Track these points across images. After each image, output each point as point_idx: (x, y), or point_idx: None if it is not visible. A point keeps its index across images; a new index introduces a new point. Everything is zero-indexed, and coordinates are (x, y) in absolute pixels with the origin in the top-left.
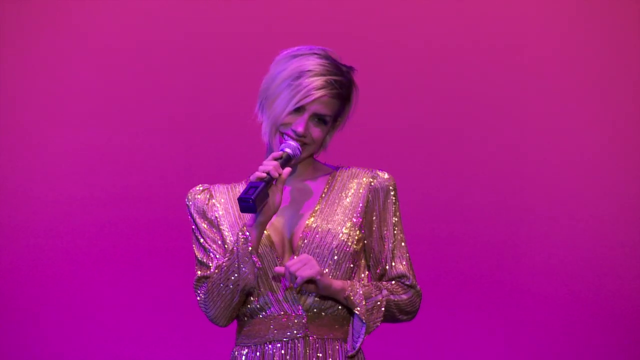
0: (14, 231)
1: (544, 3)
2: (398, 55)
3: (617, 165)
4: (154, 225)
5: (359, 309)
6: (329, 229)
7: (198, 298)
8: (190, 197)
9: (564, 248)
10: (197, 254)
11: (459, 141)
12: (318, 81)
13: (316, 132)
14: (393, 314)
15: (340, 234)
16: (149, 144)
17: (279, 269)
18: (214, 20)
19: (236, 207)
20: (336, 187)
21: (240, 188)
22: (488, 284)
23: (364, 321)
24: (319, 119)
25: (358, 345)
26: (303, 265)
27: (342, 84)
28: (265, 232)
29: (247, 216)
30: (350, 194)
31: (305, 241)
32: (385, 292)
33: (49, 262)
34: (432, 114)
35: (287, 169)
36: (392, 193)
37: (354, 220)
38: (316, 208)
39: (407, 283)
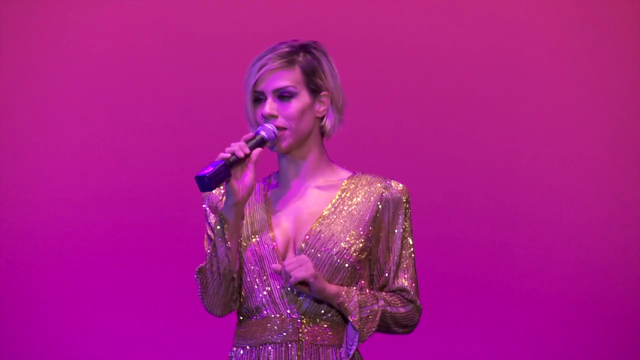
0: (13, 231)
1: (544, 3)
2: (397, 56)
3: (616, 166)
4: (155, 226)
5: (352, 316)
6: (332, 235)
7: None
8: (206, 193)
9: (562, 249)
10: (205, 247)
11: (455, 143)
12: (259, 63)
13: (286, 107)
14: (388, 325)
15: (342, 242)
16: (149, 144)
17: (277, 266)
18: (215, 20)
19: (248, 205)
20: (348, 194)
21: (256, 187)
22: (485, 285)
23: (357, 329)
24: (281, 94)
25: (351, 352)
26: (299, 266)
27: (288, 52)
28: (271, 232)
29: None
30: (360, 202)
31: (307, 245)
32: (382, 302)
33: (48, 262)
34: (428, 116)
35: (257, 150)
36: (404, 205)
37: (360, 229)
38: (324, 213)
39: (407, 297)
